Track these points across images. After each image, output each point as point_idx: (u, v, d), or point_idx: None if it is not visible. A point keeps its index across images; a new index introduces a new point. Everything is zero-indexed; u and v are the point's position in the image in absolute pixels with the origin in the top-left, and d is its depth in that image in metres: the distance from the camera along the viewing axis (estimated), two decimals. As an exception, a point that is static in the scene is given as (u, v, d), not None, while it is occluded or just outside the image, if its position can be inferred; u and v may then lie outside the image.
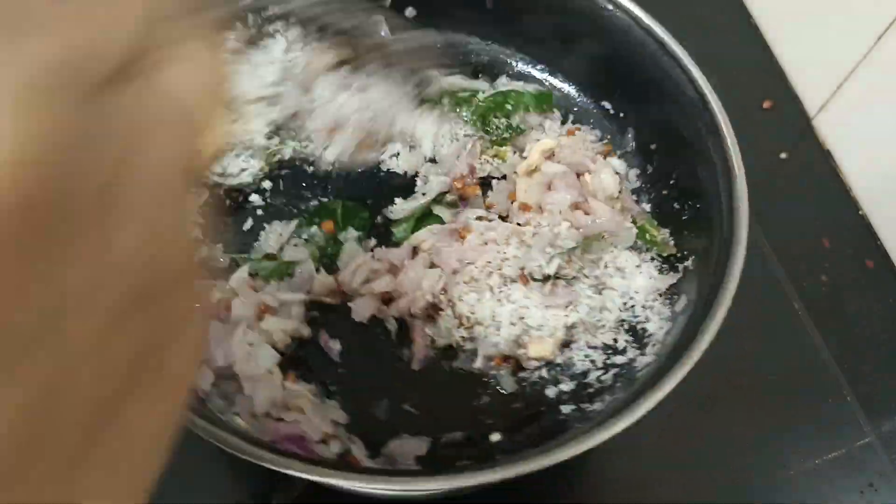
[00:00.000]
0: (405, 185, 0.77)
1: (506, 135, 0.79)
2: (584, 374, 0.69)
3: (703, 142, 0.72)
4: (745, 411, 0.74)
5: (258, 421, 0.64)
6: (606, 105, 0.84)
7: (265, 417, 0.65)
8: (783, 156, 0.93)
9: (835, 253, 0.85)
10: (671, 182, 0.77)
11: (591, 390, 0.68)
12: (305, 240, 0.73)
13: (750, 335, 0.77)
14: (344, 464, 0.61)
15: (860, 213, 0.89)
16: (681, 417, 0.72)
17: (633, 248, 0.75)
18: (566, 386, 0.69)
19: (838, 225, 0.88)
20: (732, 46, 1.01)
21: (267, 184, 0.76)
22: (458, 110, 0.79)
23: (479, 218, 0.74)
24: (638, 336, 0.71)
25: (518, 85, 0.84)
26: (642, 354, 0.69)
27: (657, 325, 0.70)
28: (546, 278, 0.71)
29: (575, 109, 0.84)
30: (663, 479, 0.70)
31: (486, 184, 0.78)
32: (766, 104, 0.96)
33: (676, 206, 0.76)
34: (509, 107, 0.80)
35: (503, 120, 0.80)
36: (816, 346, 0.78)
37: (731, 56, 0.99)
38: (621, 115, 0.83)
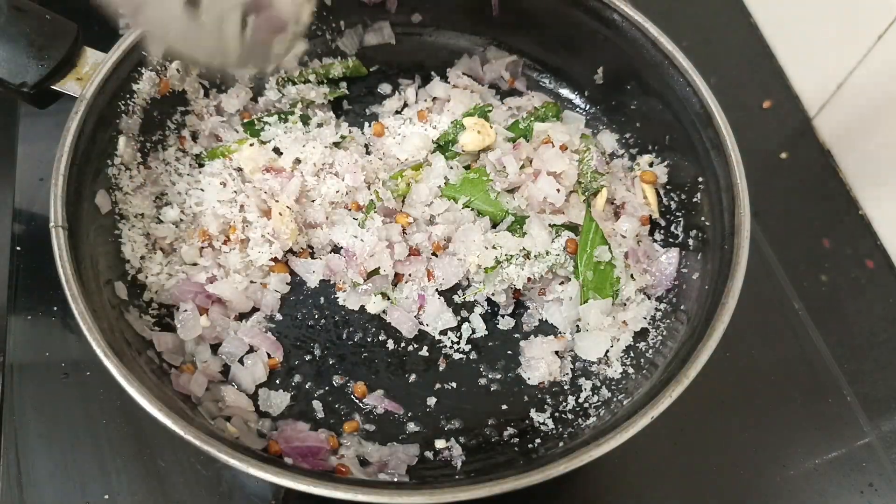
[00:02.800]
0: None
1: None
2: (579, 388, 0.70)
3: (706, 158, 0.72)
4: (745, 412, 0.74)
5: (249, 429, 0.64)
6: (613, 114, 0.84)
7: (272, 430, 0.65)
8: (783, 156, 0.93)
9: (835, 253, 0.85)
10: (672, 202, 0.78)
11: (586, 405, 0.68)
12: None
13: (750, 335, 0.77)
14: (324, 474, 0.59)
15: (860, 213, 0.89)
16: (681, 418, 0.72)
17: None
18: (566, 399, 0.70)
19: (838, 225, 0.87)
20: (732, 46, 1.01)
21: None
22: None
23: None
24: (636, 354, 0.71)
25: (523, 100, 0.85)
26: (636, 372, 0.69)
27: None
28: None
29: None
30: (664, 479, 0.70)
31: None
32: (766, 104, 0.96)
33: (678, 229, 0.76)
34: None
35: None
36: (816, 346, 0.78)
37: (731, 56, 1.00)
38: (623, 119, 0.83)
